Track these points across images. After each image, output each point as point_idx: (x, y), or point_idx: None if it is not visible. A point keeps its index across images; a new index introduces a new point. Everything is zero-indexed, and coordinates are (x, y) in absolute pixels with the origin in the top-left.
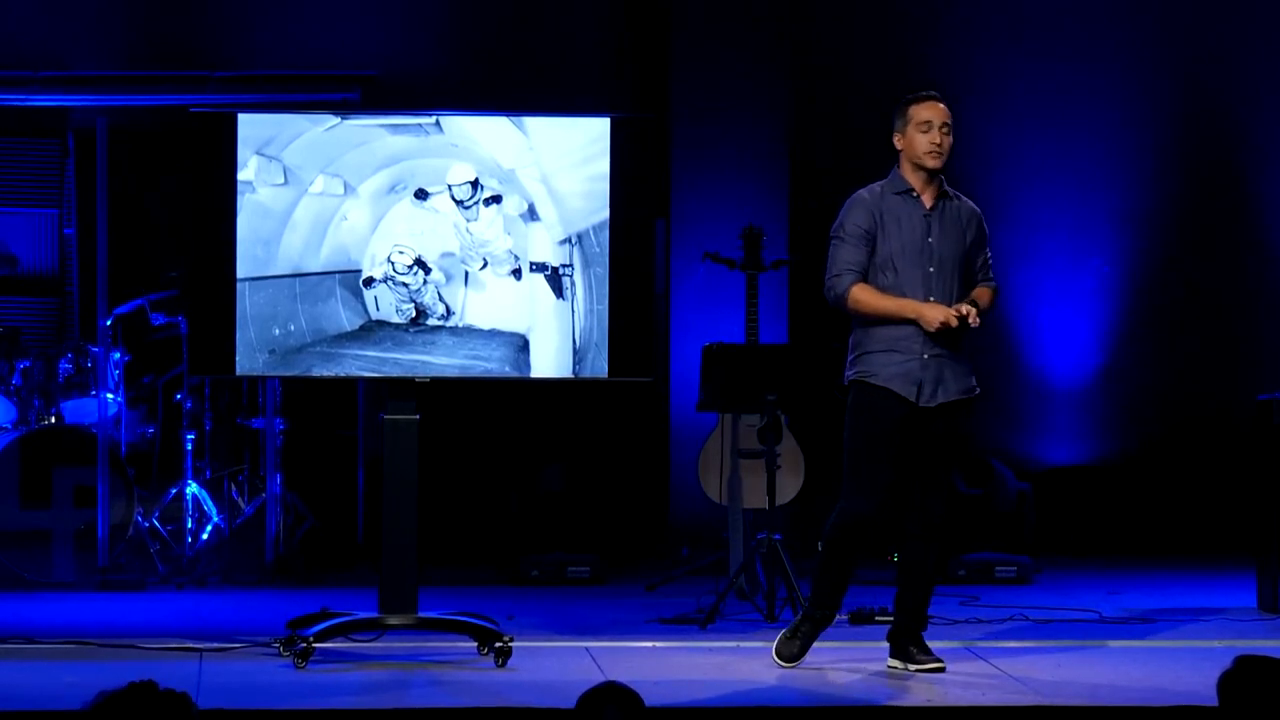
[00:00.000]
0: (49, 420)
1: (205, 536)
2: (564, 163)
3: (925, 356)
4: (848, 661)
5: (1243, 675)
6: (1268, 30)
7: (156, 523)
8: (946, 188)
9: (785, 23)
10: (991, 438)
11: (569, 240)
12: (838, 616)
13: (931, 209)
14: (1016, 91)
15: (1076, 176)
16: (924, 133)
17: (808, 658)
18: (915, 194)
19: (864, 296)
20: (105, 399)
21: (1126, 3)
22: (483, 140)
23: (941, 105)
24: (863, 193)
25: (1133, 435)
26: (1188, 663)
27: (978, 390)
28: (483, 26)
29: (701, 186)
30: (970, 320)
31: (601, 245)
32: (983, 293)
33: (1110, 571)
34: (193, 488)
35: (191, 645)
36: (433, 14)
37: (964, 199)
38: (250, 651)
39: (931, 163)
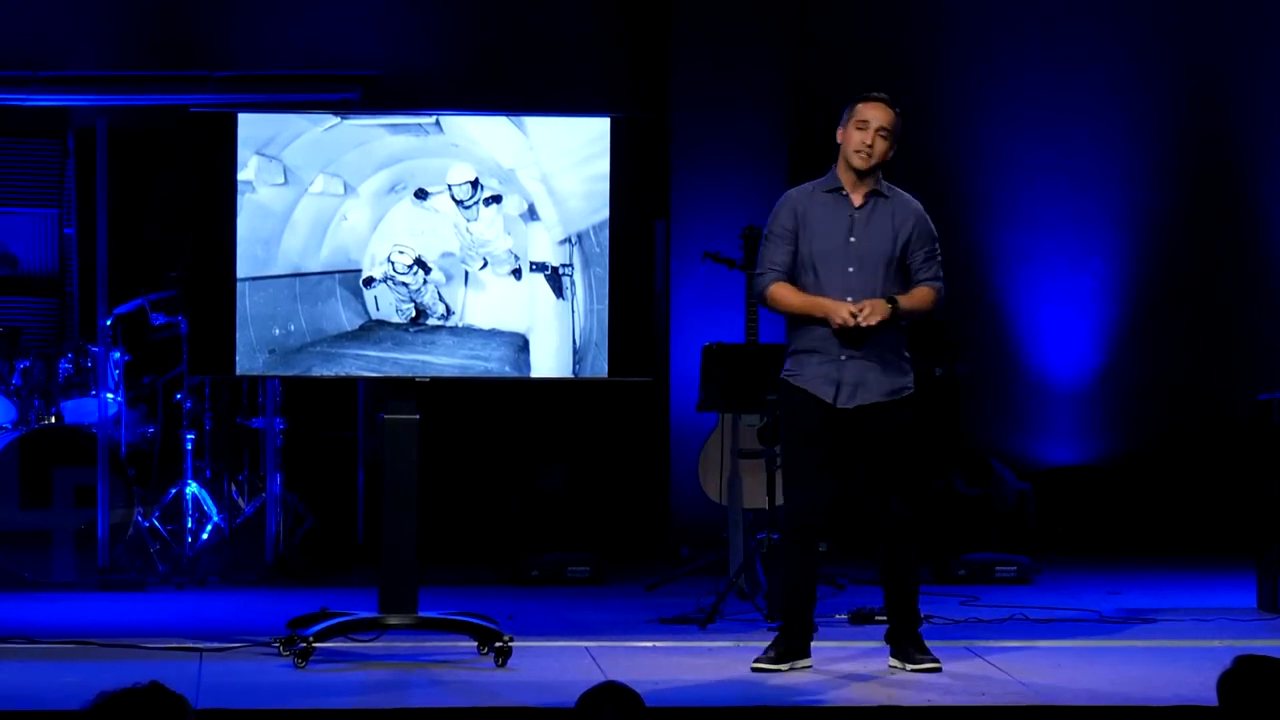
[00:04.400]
0: (49, 420)
1: (205, 536)
2: (564, 163)
3: (843, 358)
4: (847, 661)
5: (1243, 675)
6: (1267, 32)
7: (156, 523)
8: (883, 186)
9: (785, 23)
10: (991, 438)
11: (569, 240)
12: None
13: (859, 207)
14: (1017, 92)
15: (1076, 177)
16: (859, 130)
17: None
18: (844, 192)
19: (780, 294)
20: (105, 399)
21: (1126, 4)
22: (483, 140)
23: (886, 109)
24: (792, 191)
25: (1133, 435)
26: (1188, 663)
27: (908, 391)
28: (483, 26)
29: (701, 186)
30: (860, 320)
31: (601, 245)
32: (915, 293)
33: (1110, 571)
34: (193, 488)
35: (191, 645)
36: (433, 14)
37: (904, 197)
38: (250, 651)
39: (858, 162)
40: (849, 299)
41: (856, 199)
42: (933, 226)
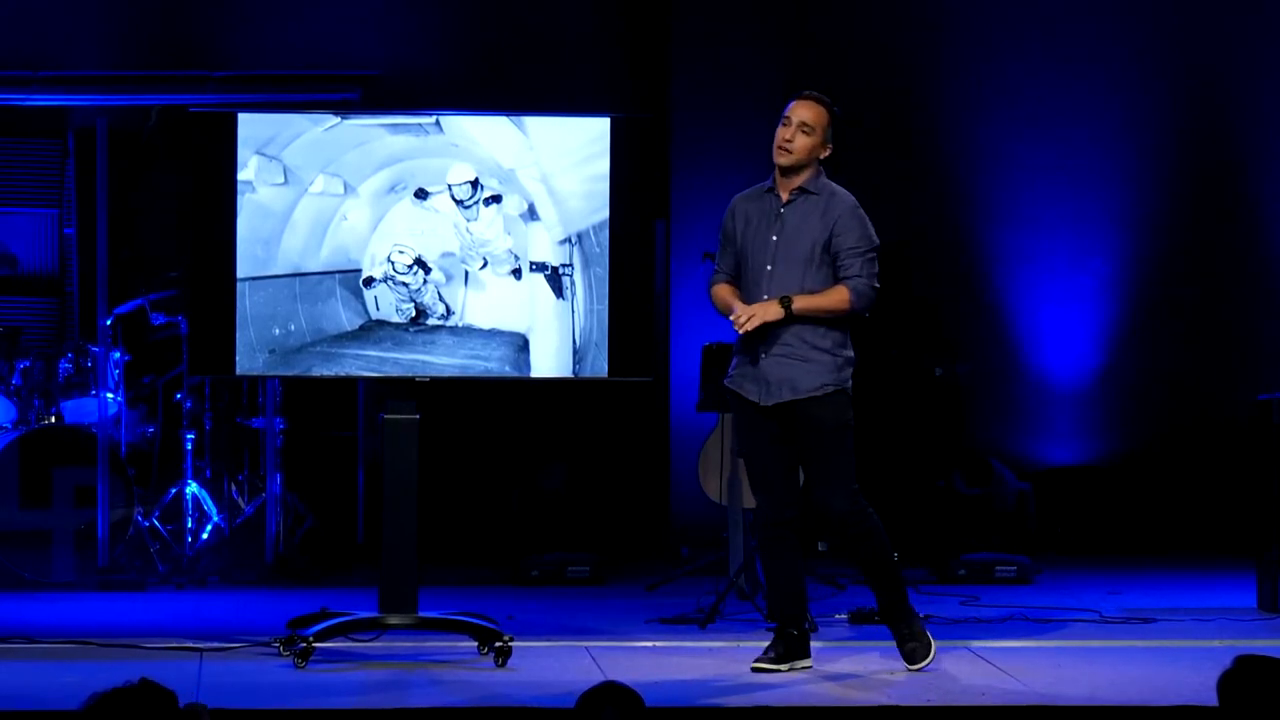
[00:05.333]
0: (49, 420)
1: (205, 536)
2: (564, 163)
3: (763, 356)
4: (847, 661)
5: (1243, 675)
6: (1267, 32)
7: (156, 523)
8: (815, 184)
9: (786, 23)
10: (991, 438)
11: (569, 240)
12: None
13: (786, 204)
14: (1017, 92)
15: (1076, 177)
16: (782, 127)
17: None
18: (775, 191)
19: (714, 296)
20: (105, 399)
21: (1126, 4)
22: (483, 140)
23: (812, 105)
24: (742, 193)
25: (1133, 435)
26: (1188, 663)
27: (831, 387)
28: (483, 26)
29: (701, 186)
30: (736, 325)
31: (601, 245)
32: (826, 293)
33: (1110, 571)
34: (193, 488)
35: (191, 645)
36: (433, 14)
37: (839, 195)
38: (250, 651)
39: (778, 158)
40: (765, 297)
41: (784, 197)
42: (864, 224)
